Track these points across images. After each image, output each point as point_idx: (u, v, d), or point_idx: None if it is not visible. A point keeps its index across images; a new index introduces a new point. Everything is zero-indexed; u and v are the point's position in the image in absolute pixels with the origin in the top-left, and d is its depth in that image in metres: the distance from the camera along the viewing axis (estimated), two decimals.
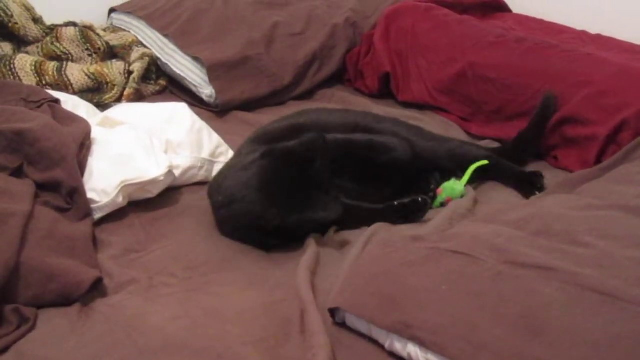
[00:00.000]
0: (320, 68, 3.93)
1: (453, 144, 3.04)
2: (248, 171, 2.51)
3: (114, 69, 3.61)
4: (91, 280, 2.17)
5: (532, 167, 3.08)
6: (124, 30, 3.99)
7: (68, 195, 2.51)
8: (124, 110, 3.16)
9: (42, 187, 2.51)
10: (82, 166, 2.60)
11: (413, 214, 2.63)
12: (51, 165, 2.53)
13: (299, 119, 2.94)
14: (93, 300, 2.17)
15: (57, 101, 2.95)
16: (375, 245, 2.29)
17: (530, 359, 1.68)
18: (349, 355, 1.96)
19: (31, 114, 2.72)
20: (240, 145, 2.86)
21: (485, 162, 2.88)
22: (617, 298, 1.75)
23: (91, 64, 3.65)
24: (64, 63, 3.57)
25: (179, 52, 3.76)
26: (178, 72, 3.73)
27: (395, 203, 2.63)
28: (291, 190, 2.42)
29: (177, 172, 2.75)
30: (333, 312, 2.04)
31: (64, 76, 3.48)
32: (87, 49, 3.69)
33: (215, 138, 3.05)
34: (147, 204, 2.71)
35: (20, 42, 3.67)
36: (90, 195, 2.55)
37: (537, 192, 2.80)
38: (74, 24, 3.78)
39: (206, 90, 3.61)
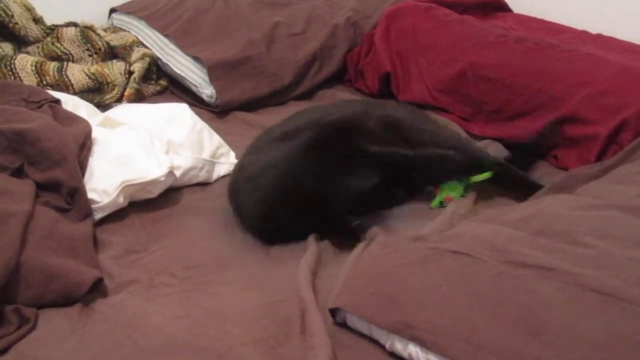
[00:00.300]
0: (321, 68, 3.92)
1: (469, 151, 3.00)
2: (279, 149, 2.60)
3: (114, 69, 3.61)
4: (92, 280, 2.17)
5: (532, 167, 3.10)
6: (125, 30, 3.99)
7: (68, 195, 2.51)
8: (125, 111, 3.16)
9: (42, 187, 2.51)
10: (82, 166, 2.60)
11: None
12: (52, 166, 2.53)
13: (318, 112, 2.95)
14: (93, 300, 2.17)
15: (57, 101, 2.95)
16: (375, 245, 2.29)
17: (530, 358, 1.68)
18: (349, 355, 1.96)
19: (32, 114, 2.72)
20: (250, 146, 2.85)
21: (488, 174, 2.87)
22: (617, 298, 1.75)
23: (92, 64, 3.65)
24: (65, 63, 3.57)
25: (179, 52, 3.76)
26: (178, 72, 3.73)
27: None
28: (330, 161, 2.48)
29: (177, 173, 2.75)
30: (334, 312, 2.04)
31: (65, 76, 3.48)
32: (88, 49, 3.69)
33: (216, 139, 3.06)
34: (148, 204, 2.71)
35: (20, 42, 3.67)
36: (90, 195, 2.55)
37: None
38: (75, 24, 3.78)
39: (207, 90, 3.60)
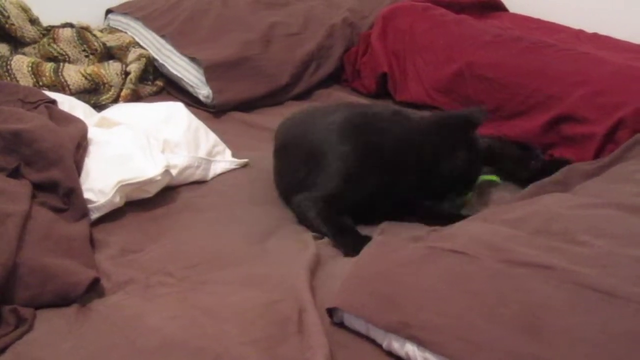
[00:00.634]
0: (318, 68, 3.93)
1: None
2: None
3: (110, 70, 3.62)
4: (89, 280, 2.16)
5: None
6: (121, 31, 3.99)
7: (65, 195, 2.50)
8: (121, 111, 3.16)
9: (39, 187, 2.51)
10: (78, 166, 2.60)
11: None
12: (48, 166, 2.52)
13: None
14: (90, 300, 2.16)
15: (53, 102, 2.95)
16: (373, 245, 2.29)
17: (528, 357, 1.67)
18: (346, 355, 1.95)
19: (28, 115, 2.72)
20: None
21: (495, 178, 2.89)
22: (615, 296, 1.75)
23: (88, 65, 3.66)
24: (61, 64, 3.58)
25: (175, 52, 3.76)
26: (175, 72, 3.73)
27: None
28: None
29: (174, 172, 2.75)
30: (331, 312, 2.04)
31: (61, 77, 3.48)
32: (84, 50, 3.69)
33: (212, 137, 3.06)
34: (145, 203, 2.70)
35: (17, 43, 3.67)
36: (87, 195, 2.55)
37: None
38: (71, 25, 3.78)
39: (203, 91, 3.60)
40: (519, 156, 3.05)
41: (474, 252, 1.98)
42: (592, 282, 1.80)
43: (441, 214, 2.71)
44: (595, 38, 3.84)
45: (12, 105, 2.84)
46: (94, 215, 2.56)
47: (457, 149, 2.63)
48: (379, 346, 1.95)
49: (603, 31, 3.88)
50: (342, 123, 2.71)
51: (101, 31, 3.94)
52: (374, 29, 3.95)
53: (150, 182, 2.65)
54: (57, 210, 2.47)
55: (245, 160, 3.06)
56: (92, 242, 2.46)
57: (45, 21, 3.76)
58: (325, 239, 2.55)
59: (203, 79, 3.61)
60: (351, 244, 2.45)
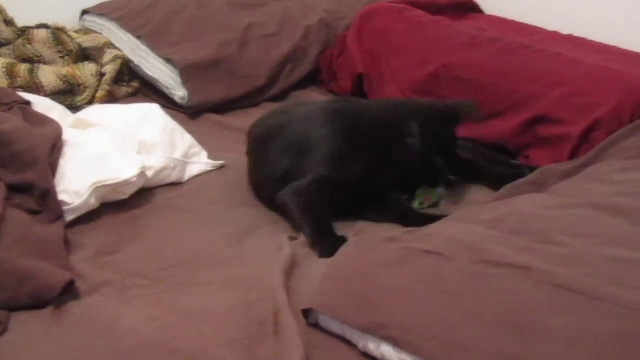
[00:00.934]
0: (294, 69, 3.92)
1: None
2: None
3: (86, 71, 3.60)
4: (64, 282, 2.15)
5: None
6: (97, 32, 3.97)
7: (40, 197, 2.49)
8: (96, 112, 3.16)
9: (14, 189, 2.50)
10: (53, 168, 2.59)
11: None
12: (23, 168, 2.51)
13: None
14: (66, 302, 2.15)
15: (28, 103, 2.94)
16: (349, 246, 2.29)
17: (505, 357, 1.68)
18: (322, 356, 1.95)
19: (2, 116, 2.71)
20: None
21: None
22: (591, 296, 1.76)
23: (63, 66, 3.64)
24: (36, 65, 3.56)
25: (151, 53, 3.74)
26: (151, 74, 3.72)
27: None
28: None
29: (150, 173, 2.74)
30: (307, 313, 2.04)
31: (36, 78, 3.47)
32: (60, 51, 3.67)
33: (188, 139, 3.06)
34: (120, 205, 2.70)
35: None
36: (62, 197, 2.54)
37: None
38: (46, 26, 3.76)
39: (179, 92, 3.59)
40: (491, 167, 3.06)
41: (450, 252, 1.98)
42: (568, 282, 1.81)
43: (417, 215, 2.72)
44: (571, 39, 3.85)
45: None
46: (69, 217, 2.56)
47: (435, 138, 2.69)
48: (355, 347, 1.95)
49: (578, 33, 3.89)
50: (325, 108, 2.77)
51: (77, 32, 3.91)
52: (350, 30, 3.94)
53: (126, 183, 2.64)
54: (32, 212, 2.46)
55: (221, 162, 3.06)
56: (67, 244, 2.45)
57: (21, 22, 3.74)
58: (301, 240, 2.55)
59: (179, 80, 3.60)
60: (328, 246, 2.45)
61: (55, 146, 2.67)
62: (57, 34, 3.70)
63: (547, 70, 3.21)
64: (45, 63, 3.63)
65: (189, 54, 3.66)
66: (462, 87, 3.39)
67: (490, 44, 3.46)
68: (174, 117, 3.20)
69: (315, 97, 3.84)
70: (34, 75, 3.48)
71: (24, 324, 2.06)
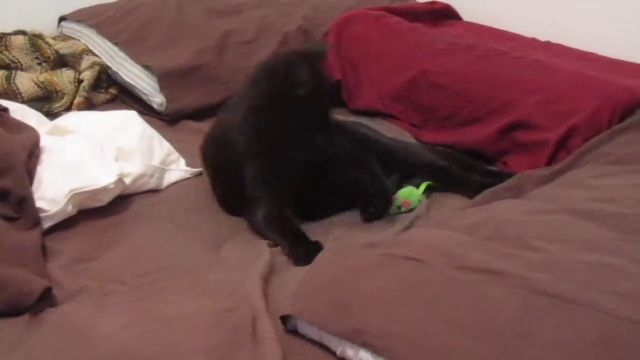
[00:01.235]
0: None
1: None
2: None
3: (63, 78, 3.60)
4: (40, 289, 2.15)
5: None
6: (74, 38, 3.96)
7: (17, 204, 2.48)
8: (74, 119, 3.15)
9: None
10: (30, 175, 2.58)
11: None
12: None
13: None
14: (42, 309, 2.14)
15: (5, 110, 2.92)
16: (327, 252, 2.30)
17: None
18: None
19: None
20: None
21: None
22: (567, 301, 1.76)
23: (41, 72, 3.63)
24: (13, 72, 3.55)
25: (129, 60, 3.74)
26: (128, 80, 3.71)
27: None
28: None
29: (127, 180, 2.74)
30: (285, 319, 2.03)
31: (13, 85, 3.46)
32: (37, 58, 3.67)
33: (166, 146, 3.05)
34: (98, 212, 2.69)
35: None
36: (39, 204, 2.53)
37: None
38: (23, 33, 3.75)
39: (157, 99, 3.59)
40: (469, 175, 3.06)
41: (427, 258, 1.98)
42: (545, 287, 1.81)
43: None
44: (548, 46, 3.87)
45: None
46: (46, 224, 2.55)
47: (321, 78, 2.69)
48: (333, 353, 1.94)
49: (556, 39, 3.91)
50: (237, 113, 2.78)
51: (54, 38, 3.90)
52: (329, 37, 3.95)
53: (103, 190, 2.64)
54: (8, 219, 2.44)
55: (200, 169, 3.05)
56: (44, 251, 2.44)
57: None
58: (280, 247, 2.55)
59: (157, 86, 3.59)
60: (302, 253, 2.46)
61: (32, 153, 2.66)
62: (35, 40, 3.69)
63: (524, 76, 3.23)
64: (22, 69, 3.62)
65: (167, 60, 3.65)
66: (440, 94, 3.40)
67: (467, 51, 3.48)
68: (152, 124, 3.20)
69: None
70: (11, 81, 3.47)
71: None
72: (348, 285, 1.99)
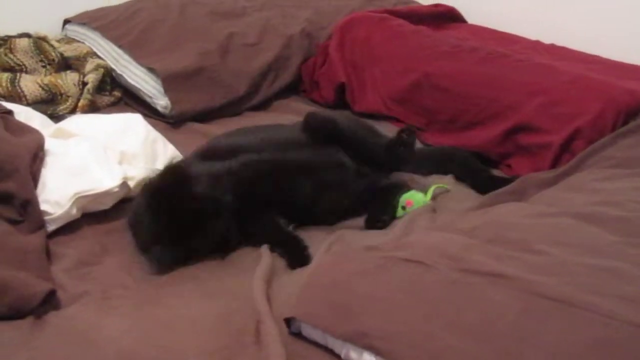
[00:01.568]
0: (276, 79, 3.93)
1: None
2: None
3: (68, 80, 3.60)
4: (44, 292, 2.14)
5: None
6: (79, 41, 3.97)
7: (21, 207, 2.48)
8: (78, 122, 3.14)
9: None
10: (35, 178, 2.58)
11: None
12: (3, 177, 2.49)
13: (239, 138, 2.96)
14: (46, 313, 2.13)
15: (10, 112, 2.92)
16: (330, 255, 2.30)
17: None
18: None
19: None
20: (186, 157, 2.91)
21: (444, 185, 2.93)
22: (570, 305, 1.76)
23: (45, 75, 3.64)
24: (18, 74, 3.56)
25: (133, 63, 3.74)
26: (133, 83, 3.72)
27: None
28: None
29: (131, 184, 2.73)
30: (288, 322, 2.03)
31: (18, 87, 3.46)
32: (41, 60, 3.68)
33: (170, 149, 3.04)
34: (102, 215, 2.69)
35: None
36: (43, 207, 2.53)
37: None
38: (28, 35, 3.76)
39: (161, 101, 3.59)
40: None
41: (430, 261, 1.98)
42: (547, 290, 1.81)
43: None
44: (552, 49, 3.87)
45: None
46: (50, 227, 2.54)
47: None
48: (337, 356, 1.94)
49: (560, 42, 3.91)
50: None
51: (58, 41, 3.91)
52: (332, 40, 3.95)
53: (107, 194, 2.63)
54: (12, 222, 2.44)
55: None
56: (48, 254, 2.44)
57: (2, 31, 3.74)
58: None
59: (161, 89, 3.60)
60: (294, 255, 2.47)
61: (36, 155, 2.66)
62: (39, 43, 3.70)
63: (528, 79, 3.22)
64: (26, 72, 3.63)
65: (171, 63, 3.66)
66: (444, 96, 3.40)
67: (471, 53, 3.48)
68: (156, 127, 3.19)
69: (297, 107, 3.87)
70: (16, 84, 3.47)
71: (2, 334, 2.03)
72: (351, 287, 1.99)
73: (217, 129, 3.46)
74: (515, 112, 3.14)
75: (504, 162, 3.19)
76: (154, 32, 3.86)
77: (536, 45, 3.92)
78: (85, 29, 4.01)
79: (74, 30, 4.08)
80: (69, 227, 2.60)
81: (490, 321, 1.76)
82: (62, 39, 4.01)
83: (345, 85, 3.84)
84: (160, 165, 2.91)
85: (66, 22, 4.15)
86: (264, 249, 2.49)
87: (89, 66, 3.72)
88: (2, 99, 3.35)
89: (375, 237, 2.54)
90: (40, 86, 3.50)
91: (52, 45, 3.75)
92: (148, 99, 3.68)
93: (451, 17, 4.35)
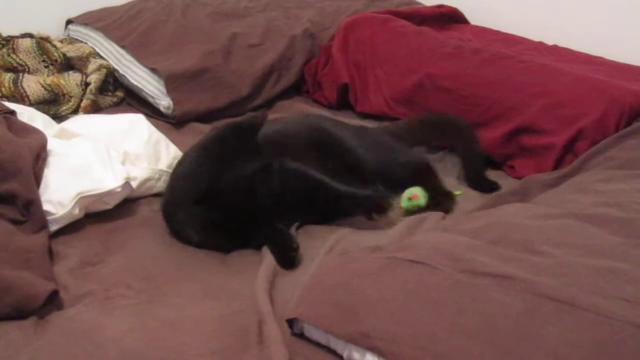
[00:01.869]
0: (279, 79, 3.92)
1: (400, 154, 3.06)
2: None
3: (70, 81, 3.60)
4: (47, 292, 2.14)
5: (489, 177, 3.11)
6: (81, 41, 3.97)
7: (24, 207, 2.48)
8: (81, 122, 3.14)
9: None
10: (37, 178, 2.57)
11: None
12: (6, 177, 2.49)
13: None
14: (49, 313, 2.14)
15: (12, 113, 2.92)
16: (333, 255, 2.29)
17: None
18: None
19: None
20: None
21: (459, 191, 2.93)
22: (574, 306, 1.75)
23: (48, 75, 3.63)
24: (20, 75, 3.55)
25: (136, 63, 3.74)
26: (135, 83, 3.72)
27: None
28: (225, 157, 2.54)
29: (134, 184, 2.73)
30: (291, 322, 2.03)
31: (20, 88, 3.46)
32: (44, 61, 3.67)
33: (173, 149, 3.04)
34: (104, 215, 2.69)
35: None
36: (46, 207, 2.52)
37: None
38: (30, 36, 3.76)
39: (164, 102, 3.59)
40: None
41: (434, 262, 1.98)
42: (551, 292, 1.81)
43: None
44: (555, 50, 3.87)
45: None
46: (53, 227, 2.54)
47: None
48: (340, 357, 1.95)
49: (563, 43, 3.91)
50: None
51: (61, 41, 3.91)
52: (335, 40, 3.95)
53: (110, 194, 2.63)
54: (15, 222, 2.44)
55: None
56: (51, 254, 2.44)
57: (4, 31, 3.74)
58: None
59: (164, 89, 3.59)
60: (282, 254, 2.46)
61: (39, 156, 2.65)
62: (42, 43, 3.70)
63: (530, 80, 3.22)
64: (29, 72, 3.62)
65: (174, 63, 3.66)
66: (446, 97, 3.40)
67: (473, 54, 3.48)
68: (158, 127, 3.19)
69: (300, 107, 3.86)
70: (18, 84, 3.47)
71: (4, 334, 2.04)
72: (354, 288, 1.98)
73: None
74: (519, 113, 3.14)
75: (507, 163, 3.18)
76: (156, 33, 3.86)
77: (539, 47, 3.92)
78: (87, 30, 4.01)
79: (76, 30, 4.08)
80: (72, 227, 2.60)
81: (493, 322, 1.76)
82: (65, 39, 4.01)
83: (349, 86, 3.83)
84: (162, 165, 2.91)
85: (69, 22, 4.15)
86: (266, 249, 2.48)
87: (91, 66, 3.72)
88: (4, 99, 3.34)
89: (379, 237, 2.53)
90: (42, 86, 3.50)
91: (54, 46, 3.75)
92: (151, 100, 3.67)
93: (454, 18, 4.35)
